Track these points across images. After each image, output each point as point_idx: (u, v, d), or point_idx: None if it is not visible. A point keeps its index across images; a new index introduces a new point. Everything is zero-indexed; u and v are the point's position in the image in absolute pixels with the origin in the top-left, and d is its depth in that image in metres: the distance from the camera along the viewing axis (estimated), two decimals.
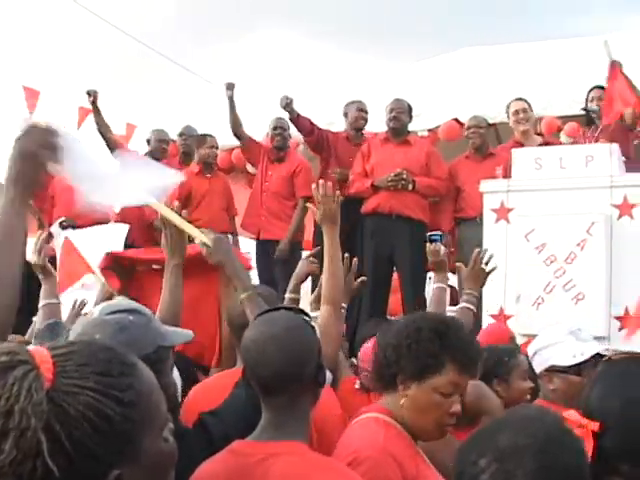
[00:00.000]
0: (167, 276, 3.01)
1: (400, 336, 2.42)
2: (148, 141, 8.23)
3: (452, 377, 2.32)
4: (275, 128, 7.77)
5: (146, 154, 7.76)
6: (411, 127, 7.79)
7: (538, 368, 3.29)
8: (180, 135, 8.38)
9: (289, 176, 7.73)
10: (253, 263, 7.07)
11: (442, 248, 4.19)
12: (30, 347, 1.24)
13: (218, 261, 2.92)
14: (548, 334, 3.34)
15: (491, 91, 8.59)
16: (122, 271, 4.59)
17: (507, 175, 5.99)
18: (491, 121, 8.00)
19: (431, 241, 4.19)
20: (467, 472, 1.48)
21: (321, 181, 3.49)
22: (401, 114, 7.15)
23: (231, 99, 7.61)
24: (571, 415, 1.99)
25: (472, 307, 3.80)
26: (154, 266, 4.31)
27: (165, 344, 2.11)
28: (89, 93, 7.72)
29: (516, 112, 6.99)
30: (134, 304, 2.20)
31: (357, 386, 3.81)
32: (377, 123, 7.68)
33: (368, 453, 2.24)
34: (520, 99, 7.05)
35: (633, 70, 6.59)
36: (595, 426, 1.91)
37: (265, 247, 7.54)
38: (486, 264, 3.95)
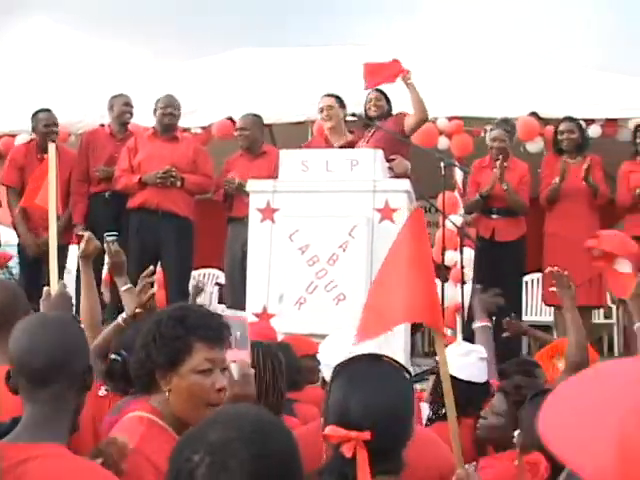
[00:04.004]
0: None
1: (145, 332, 2.42)
2: None
3: (205, 353, 2.32)
4: (47, 125, 7.29)
5: None
6: (185, 123, 7.74)
7: None
8: None
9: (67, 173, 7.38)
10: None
11: (120, 250, 4.07)
12: None
13: None
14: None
15: (266, 92, 8.67)
16: None
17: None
18: (265, 122, 8.06)
19: (107, 241, 4.03)
20: (182, 469, 1.48)
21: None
22: (175, 110, 7.06)
23: None
24: (333, 430, 2.03)
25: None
26: None
27: None
28: None
29: (321, 110, 6.82)
30: None
31: (101, 393, 3.69)
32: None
33: None
34: (328, 95, 6.88)
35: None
36: (366, 436, 1.97)
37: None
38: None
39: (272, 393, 3.37)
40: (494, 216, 7.08)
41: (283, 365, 3.49)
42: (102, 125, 7.59)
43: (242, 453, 1.45)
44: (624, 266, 4.37)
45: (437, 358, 2.96)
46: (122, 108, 7.35)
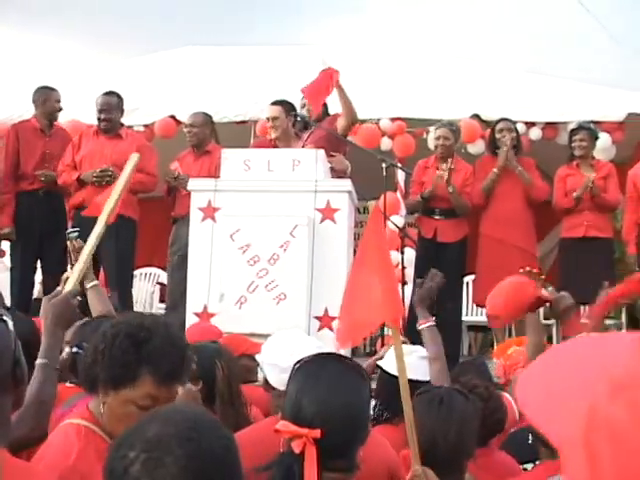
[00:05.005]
0: None
1: (99, 339, 2.28)
2: None
3: (149, 389, 2.16)
4: None
5: None
6: (127, 121, 7.65)
7: None
8: None
9: None
10: None
11: (83, 245, 4.03)
12: None
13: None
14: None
15: (209, 91, 8.64)
16: None
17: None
18: None
19: (69, 238, 3.99)
20: (117, 467, 1.47)
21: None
22: (110, 114, 6.96)
23: None
24: (284, 426, 2.06)
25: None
26: None
27: None
28: None
29: (267, 119, 6.68)
30: None
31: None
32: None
33: (55, 473, 2.12)
34: (275, 102, 6.65)
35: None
36: (316, 433, 2.00)
37: None
38: None
39: (228, 391, 3.39)
40: (437, 217, 7.14)
41: (232, 363, 3.51)
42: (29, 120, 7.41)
43: (177, 450, 1.44)
44: None
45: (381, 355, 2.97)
46: (55, 105, 7.21)
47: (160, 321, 2.33)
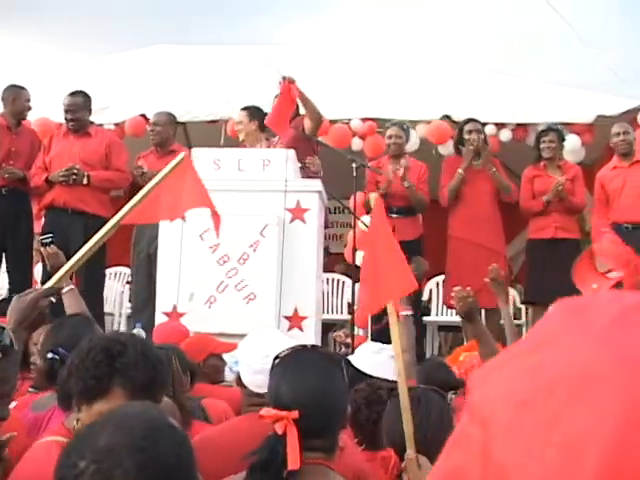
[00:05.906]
0: None
1: (76, 353, 2.27)
2: None
3: (121, 402, 2.10)
4: None
5: None
6: (98, 120, 7.62)
7: None
8: None
9: None
10: None
11: (58, 251, 3.99)
12: None
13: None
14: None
15: (180, 90, 8.62)
16: None
17: None
18: (180, 120, 8.01)
19: (44, 244, 3.97)
20: (67, 475, 1.42)
21: None
22: (76, 113, 6.89)
23: None
24: (267, 411, 2.19)
25: None
26: None
27: None
28: None
29: (237, 123, 6.95)
30: None
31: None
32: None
33: None
34: (243, 108, 6.89)
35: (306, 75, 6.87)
36: (295, 414, 2.12)
37: None
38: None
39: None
40: (394, 215, 7.15)
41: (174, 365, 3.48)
42: None
43: (127, 461, 1.39)
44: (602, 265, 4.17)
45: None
46: (25, 104, 7.09)
47: (137, 339, 2.35)
